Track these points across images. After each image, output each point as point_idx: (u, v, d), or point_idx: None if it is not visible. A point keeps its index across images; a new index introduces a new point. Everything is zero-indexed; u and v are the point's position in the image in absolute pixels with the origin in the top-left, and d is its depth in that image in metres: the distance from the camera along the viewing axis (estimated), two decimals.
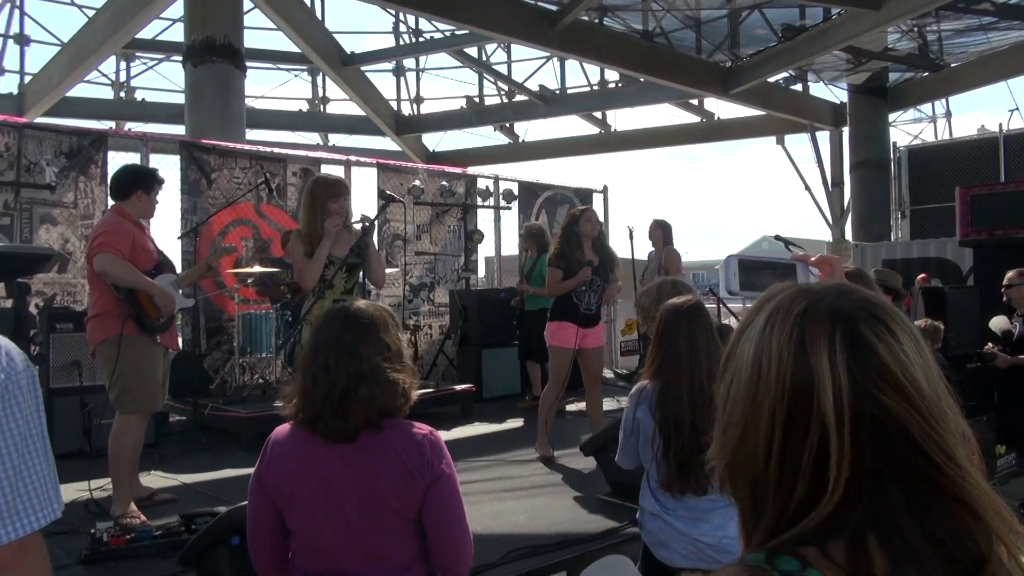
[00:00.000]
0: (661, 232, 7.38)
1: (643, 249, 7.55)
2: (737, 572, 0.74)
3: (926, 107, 18.30)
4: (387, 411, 1.85)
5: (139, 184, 4.19)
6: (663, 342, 2.46)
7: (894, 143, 13.42)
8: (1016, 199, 7.64)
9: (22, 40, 14.58)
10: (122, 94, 15.73)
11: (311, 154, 8.82)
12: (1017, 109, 25.17)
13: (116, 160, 6.86)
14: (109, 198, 4.88)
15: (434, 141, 17.65)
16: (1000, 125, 12.50)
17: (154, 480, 4.74)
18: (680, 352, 2.40)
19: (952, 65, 13.19)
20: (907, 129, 19.93)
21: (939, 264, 10.24)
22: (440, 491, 1.84)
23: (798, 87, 14.52)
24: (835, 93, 14.82)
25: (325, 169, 8.11)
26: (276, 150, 8.27)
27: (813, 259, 1.21)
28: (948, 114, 20.13)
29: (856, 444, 0.71)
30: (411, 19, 15.84)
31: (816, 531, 0.72)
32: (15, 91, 14.23)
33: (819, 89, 14.71)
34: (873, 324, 0.76)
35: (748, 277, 1.18)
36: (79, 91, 14.41)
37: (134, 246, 4.06)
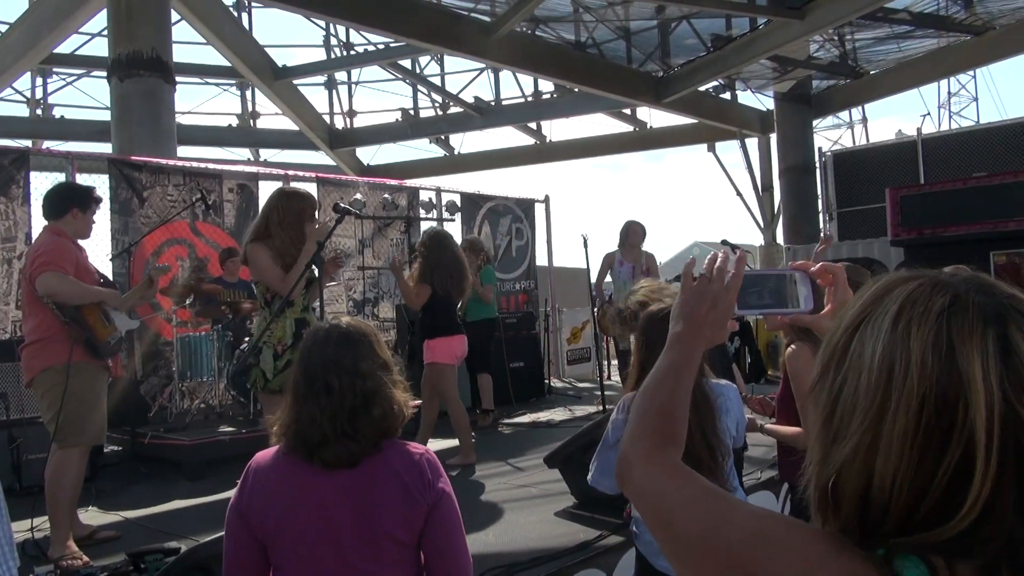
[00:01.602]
0: (642, 234, 7.36)
1: (597, 257, 7.45)
2: (858, 568, 0.68)
3: (843, 113, 19.06)
4: (389, 431, 1.78)
5: (74, 201, 3.96)
6: (652, 349, 2.39)
7: (819, 148, 13.89)
8: (943, 199, 7.97)
9: None
10: (38, 111, 15.03)
11: (247, 169, 8.58)
12: (929, 114, 26.39)
13: (39, 180, 6.50)
14: (35, 220, 4.63)
15: (369, 155, 17.46)
16: (918, 130, 13.06)
17: (93, 516, 4.47)
18: None
19: (871, 72, 13.73)
20: (827, 135, 20.74)
21: (867, 264, 10.55)
22: (442, 513, 1.76)
23: (727, 95, 14.90)
24: (762, 101, 15.28)
25: (263, 184, 7.89)
26: (211, 166, 8.00)
27: (814, 268, 1.12)
28: (864, 120, 21.04)
29: (1000, 464, 0.63)
30: (342, 31, 15.63)
31: (945, 545, 0.65)
32: None
33: (747, 97, 15.16)
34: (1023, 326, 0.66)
35: (741, 296, 1.08)
36: None
37: (77, 266, 3.84)
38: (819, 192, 13.62)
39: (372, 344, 1.84)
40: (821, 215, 13.76)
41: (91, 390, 3.85)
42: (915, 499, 0.66)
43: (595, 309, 7.37)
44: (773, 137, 14.95)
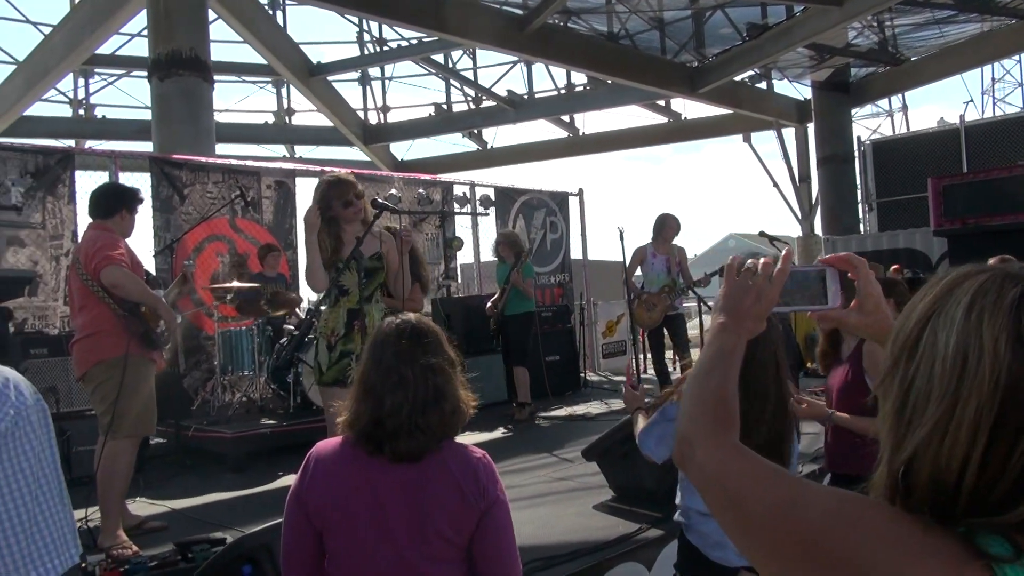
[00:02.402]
0: (676, 227, 7.32)
1: (632, 249, 7.38)
2: (944, 544, 0.69)
3: (883, 102, 18.69)
4: (453, 428, 1.81)
5: (124, 202, 4.07)
6: None
7: (858, 137, 13.65)
8: (986, 188, 7.79)
9: None
10: (81, 111, 15.37)
11: (285, 166, 8.68)
12: (972, 101, 25.75)
13: (83, 179, 6.66)
14: (81, 218, 4.75)
15: (402, 150, 17.56)
16: (960, 117, 12.79)
17: (140, 507, 4.58)
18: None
19: (912, 59, 13.44)
20: (865, 123, 20.37)
21: (909, 254, 10.39)
22: (494, 519, 1.77)
23: (763, 85, 14.69)
24: (798, 90, 15.05)
25: (300, 181, 7.98)
26: (249, 163, 8.11)
27: (832, 258, 1.13)
28: (905, 107, 20.60)
29: None
30: (375, 27, 15.72)
31: (1021, 525, 0.67)
32: None
33: (784, 86, 14.95)
34: None
35: None
36: (36, 109, 14.08)
37: (132, 262, 3.94)
38: (858, 182, 13.41)
39: (440, 340, 1.88)
40: (860, 205, 13.55)
41: (144, 382, 3.95)
42: (988, 483, 0.68)
43: (629, 302, 7.34)
44: (810, 126, 14.73)
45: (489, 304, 7.61)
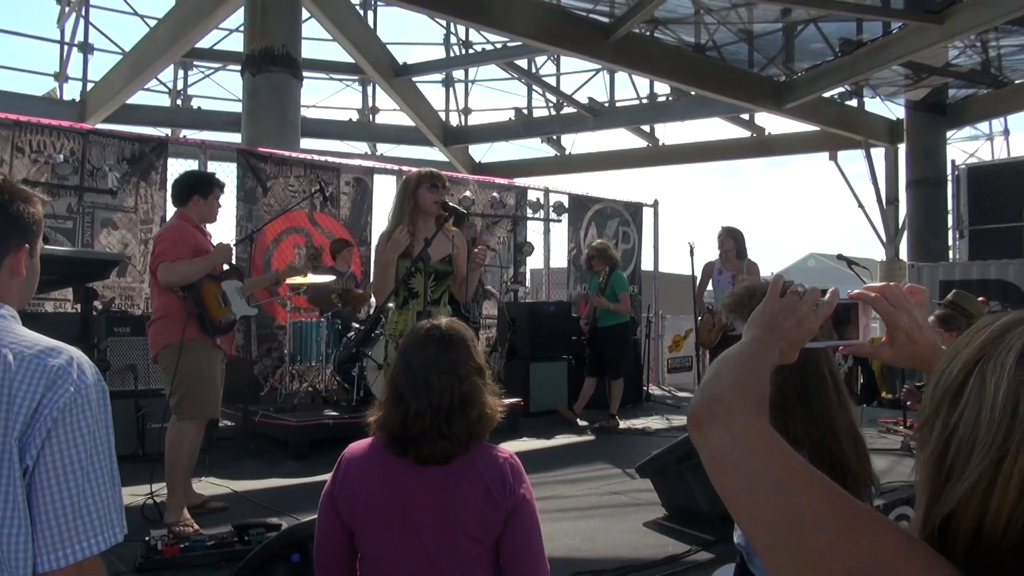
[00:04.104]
0: (733, 242, 6.90)
1: (701, 263, 7.23)
2: None
3: (983, 125, 17.85)
4: (480, 433, 1.83)
5: (196, 189, 4.22)
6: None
7: (952, 160, 13.07)
8: None
9: (86, 48, 14.97)
10: (179, 102, 16.07)
11: (364, 163, 8.87)
12: None
13: (175, 166, 6.98)
14: (170, 204, 4.95)
15: (480, 152, 17.70)
16: None
17: (206, 487, 4.75)
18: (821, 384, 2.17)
19: (1016, 82, 12.80)
20: (962, 147, 19.46)
21: (1000, 286, 9.87)
22: (521, 518, 1.78)
23: (853, 102, 14.23)
24: (891, 109, 14.52)
25: (378, 178, 8.16)
26: (330, 159, 8.33)
27: (874, 292, 1.08)
28: (1006, 132, 19.55)
29: None
30: (461, 30, 15.92)
31: None
32: (77, 98, 14.63)
33: (874, 104, 14.43)
34: None
35: None
36: (138, 98, 14.78)
37: (196, 250, 4.09)
38: (949, 207, 12.84)
39: (469, 348, 1.90)
40: (951, 232, 12.97)
41: (205, 366, 4.08)
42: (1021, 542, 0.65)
43: (697, 319, 7.22)
44: (901, 147, 14.18)
45: (583, 321, 7.74)
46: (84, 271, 4.14)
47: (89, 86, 14.70)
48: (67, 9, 15.43)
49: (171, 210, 4.49)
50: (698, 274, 7.02)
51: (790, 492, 0.77)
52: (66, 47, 15.30)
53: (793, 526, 0.75)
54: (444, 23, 15.85)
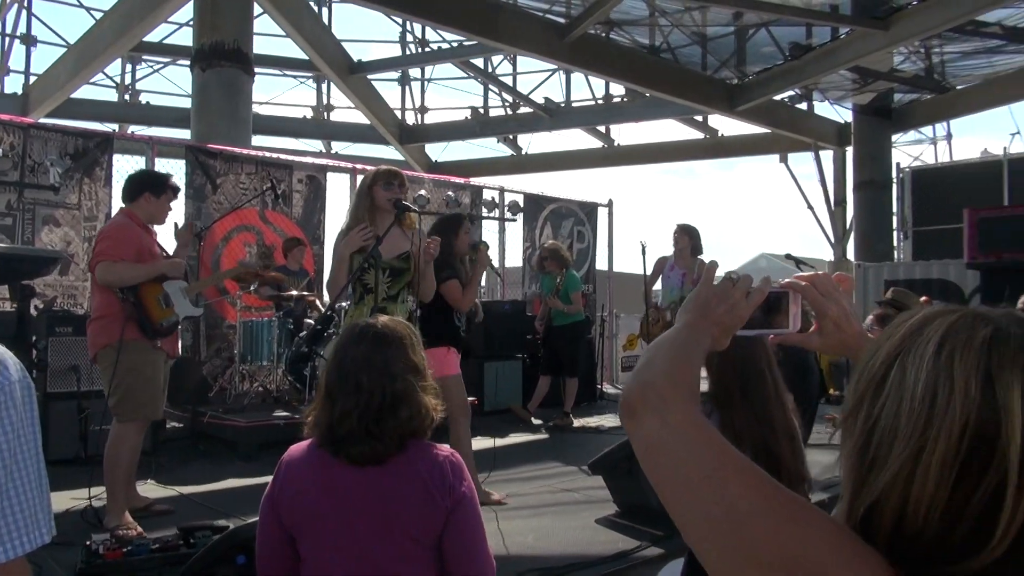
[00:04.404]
0: (688, 239, 6.84)
1: (653, 262, 7.25)
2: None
3: (927, 129, 18.38)
4: (415, 433, 1.79)
5: (148, 186, 4.12)
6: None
7: (897, 164, 13.44)
8: None
9: (28, 40, 14.54)
10: (126, 96, 15.69)
11: (317, 161, 8.77)
12: (1019, 133, 25.23)
13: (121, 163, 6.80)
14: (116, 201, 4.83)
15: (437, 151, 17.64)
16: (1004, 149, 12.52)
17: (151, 490, 4.65)
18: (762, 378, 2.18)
19: (958, 87, 13.20)
20: (907, 150, 20.00)
21: (942, 286, 10.18)
22: (462, 515, 1.76)
23: (803, 106, 14.53)
24: (840, 112, 14.86)
25: (332, 176, 8.08)
26: (282, 156, 8.21)
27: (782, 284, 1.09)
28: (949, 136, 20.18)
29: None
30: (418, 29, 15.84)
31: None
32: (19, 91, 14.19)
33: (824, 108, 14.76)
34: None
35: None
36: (83, 92, 14.38)
37: (140, 250, 3.98)
38: (895, 209, 13.19)
39: (405, 346, 1.85)
40: (895, 233, 13.33)
41: (146, 367, 3.97)
42: (947, 528, 0.67)
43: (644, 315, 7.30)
44: (849, 150, 14.53)
45: (537, 320, 7.81)
46: (20, 268, 4.01)
47: (32, 79, 14.27)
48: (8, 0, 14.95)
49: (116, 207, 4.37)
50: (651, 271, 7.07)
51: (724, 482, 0.76)
52: (7, 39, 14.86)
53: (727, 517, 0.74)
54: (400, 21, 15.75)
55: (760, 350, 2.18)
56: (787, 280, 1.11)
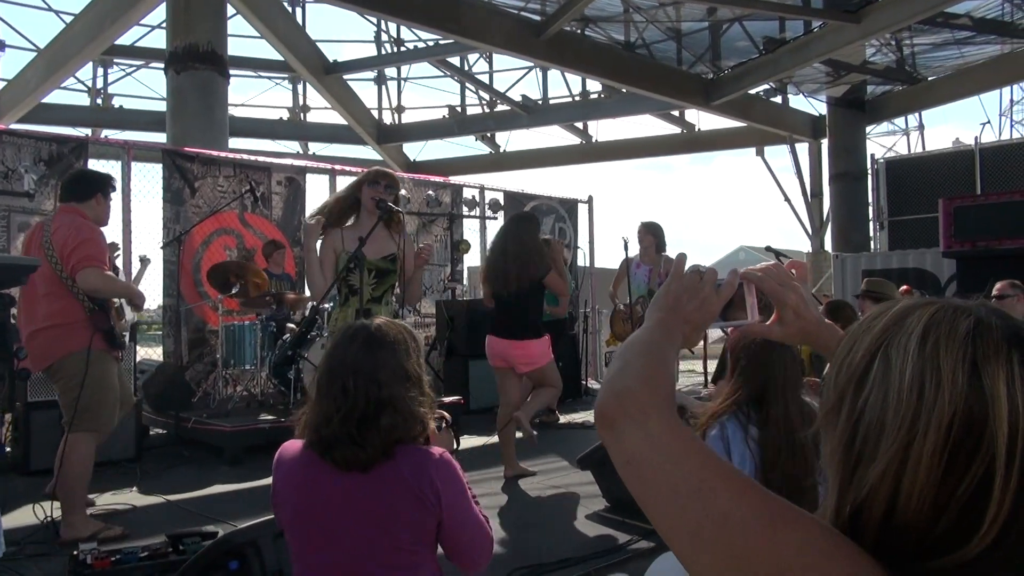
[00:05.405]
0: (652, 237, 6.89)
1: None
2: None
3: (899, 120, 18.62)
4: (401, 440, 1.74)
5: (100, 187, 4.00)
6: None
7: (871, 155, 13.59)
8: (998, 211, 7.73)
9: None
10: (99, 101, 15.48)
11: (296, 162, 8.71)
12: (989, 122, 25.62)
13: (97, 168, 6.69)
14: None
15: (415, 151, 17.60)
16: (975, 138, 12.70)
17: (134, 498, 4.60)
18: (779, 376, 2.28)
19: (929, 79, 13.39)
20: (881, 141, 20.26)
21: (918, 275, 10.30)
22: (453, 514, 1.74)
23: (778, 99, 14.67)
24: (814, 105, 15.02)
25: (311, 177, 8.03)
26: (260, 158, 8.16)
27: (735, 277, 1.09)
28: (921, 127, 20.49)
29: (1020, 483, 0.64)
30: (393, 28, 15.77)
31: (965, 568, 0.65)
32: None
33: (799, 101, 14.91)
34: None
35: None
36: (55, 97, 14.17)
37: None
38: (870, 200, 13.34)
39: (398, 351, 1.79)
40: (871, 223, 13.48)
41: (111, 377, 3.90)
42: (936, 519, 0.67)
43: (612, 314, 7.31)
44: (824, 142, 14.68)
45: None
46: None
47: (1, 85, 14.03)
48: None
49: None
50: (616, 275, 7.09)
51: (712, 494, 0.74)
52: None
53: (718, 530, 0.72)
54: (374, 20, 15.68)
55: (779, 346, 2.25)
56: (742, 271, 1.10)
